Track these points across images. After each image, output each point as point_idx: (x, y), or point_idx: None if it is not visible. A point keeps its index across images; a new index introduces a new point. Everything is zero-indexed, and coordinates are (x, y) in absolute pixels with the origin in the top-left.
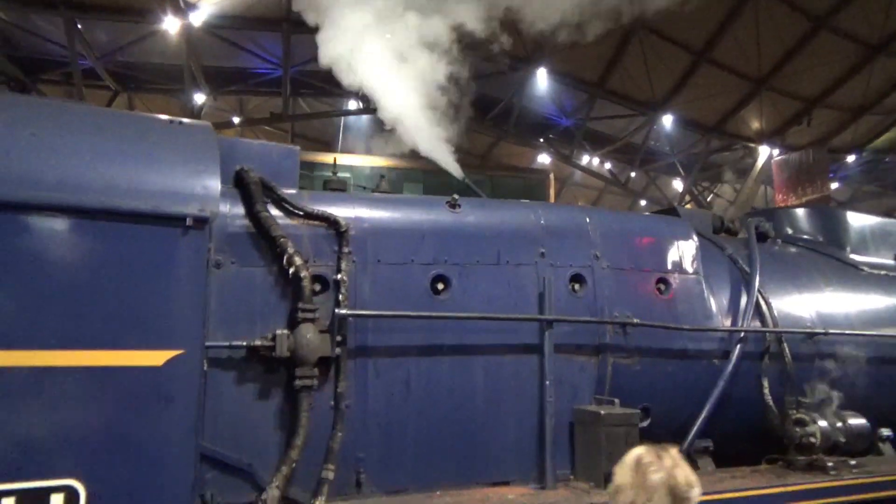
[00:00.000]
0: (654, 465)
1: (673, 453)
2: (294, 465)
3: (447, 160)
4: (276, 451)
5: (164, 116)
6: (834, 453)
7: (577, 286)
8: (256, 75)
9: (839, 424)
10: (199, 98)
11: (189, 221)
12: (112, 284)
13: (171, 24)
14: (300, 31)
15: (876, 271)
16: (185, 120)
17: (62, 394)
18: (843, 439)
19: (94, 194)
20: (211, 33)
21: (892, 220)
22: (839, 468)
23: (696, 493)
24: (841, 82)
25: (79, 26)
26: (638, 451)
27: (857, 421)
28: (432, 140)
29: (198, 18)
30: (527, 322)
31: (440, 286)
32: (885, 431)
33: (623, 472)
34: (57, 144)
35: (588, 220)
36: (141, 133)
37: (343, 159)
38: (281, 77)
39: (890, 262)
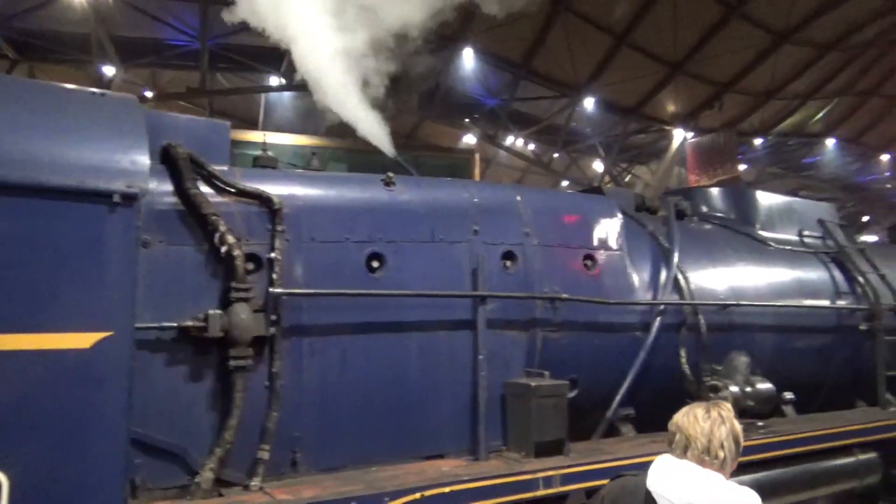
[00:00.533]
0: (719, 418)
1: (728, 406)
2: (228, 446)
3: (379, 137)
4: (209, 433)
5: (88, 88)
6: (744, 416)
7: (508, 263)
8: (171, 47)
9: (748, 389)
10: (109, 70)
11: (117, 198)
12: (36, 264)
13: None
14: (218, 1)
15: (782, 247)
16: (109, 92)
17: None
18: (752, 403)
19: (15, 169)
20: (121, 1)
21: (796, 199)
22: (748, 430)
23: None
24: (750, 68)
25: None
26: (702, 407)
27: (765, 385)
28: (365, 117)
29: None
30: (460, 298)
31: (375, 264)
32: (788, 395)
33: (693, 425)
34: None
35: (519, 198)
36: (63, 105)
37: (266, 137)
38: (198, 50)
39: (794, 237)
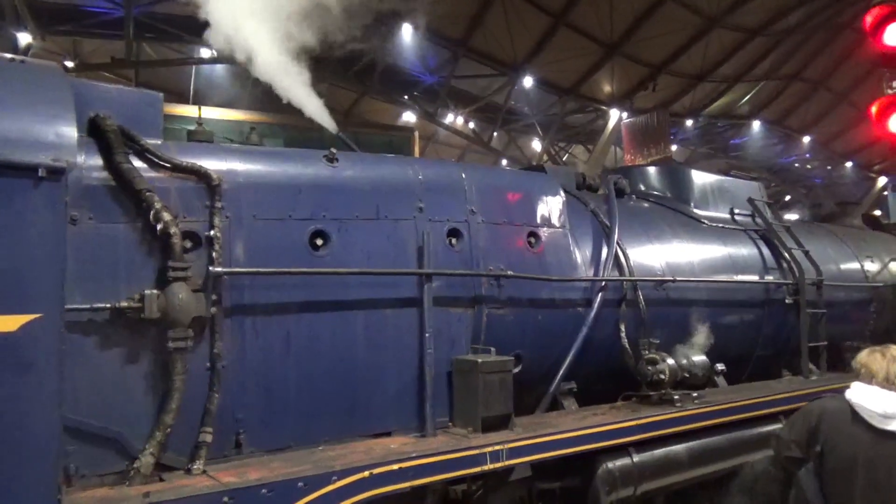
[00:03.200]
0: (892, 357)
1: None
2: (168, 430)
3: (320, 113)
4: (148, 417)
5: (6, 54)
6: (680, 387)
7: (453, 240)
8: (93, 14)
9: (684, 362)
10: (25, 38)
11: (42, 172)
12: None
13: None
14: None
15: (715, 224)
16: (29, 59)
17: None
18: (687, 375)
19: None
20: None
21: (728, 179)
22: (684, 400)
23: None
24: (682, 51)
25: None
26: (878, 349)
27: (699, 358)
28: (303, 92)
29: None
30: (406, 276)
31: (319, 242)
32: (720, 366)
33: (875, 362)
34: None
35: (464, 175)
36: None
37: (195, 109)
38: (122, 18)
39: (726, 215)
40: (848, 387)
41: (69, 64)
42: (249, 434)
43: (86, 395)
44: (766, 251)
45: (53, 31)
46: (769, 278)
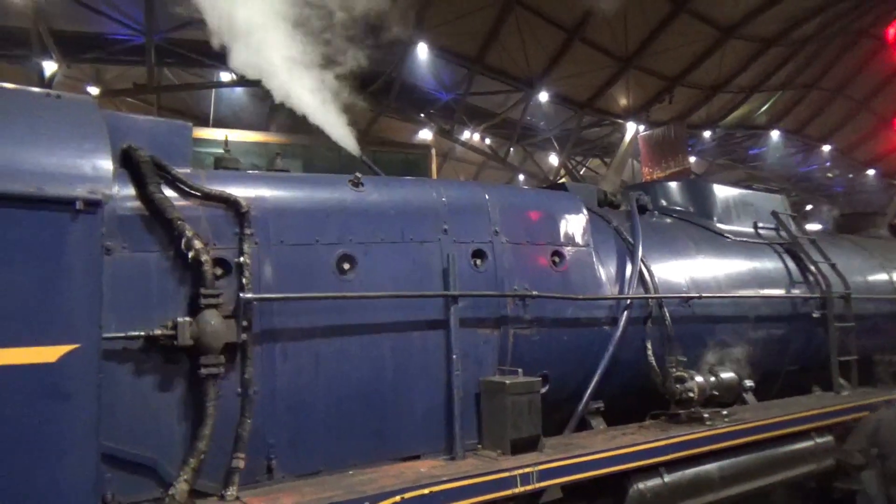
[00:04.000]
0: None
1: None
2: (202, 456)
3: (343, 136)
4: (181, 443)
5: (37, 89)
6: (709, 405)
7: (478, 261)
8: (116, 42)
9: (713, 379)
10: (49, 66)
11: (79, 205)
12: None
13: None
14: None
15: (739, 238)
16: (64, 93)
17: None
18: (716, 392)
19: None
20: None
21: (751, 192)
22: (714, 418)
23: None
24: (698, 62)
25: None
26: None
27: (727, 375)
28: (328, 115)
29: None
30: (432, 298)
31: (346, 265)
32: (749, 382)
33: None
34: None
35: (487, 196)
36: (16, 108)
37: (217, 134)
38: (144, 44)
39: (750, 229)
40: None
41: (93, 90)
42: (281, 459)
43: (121, 423)
44: (791, 265)
45: (77, 59)
46: (796, 292)
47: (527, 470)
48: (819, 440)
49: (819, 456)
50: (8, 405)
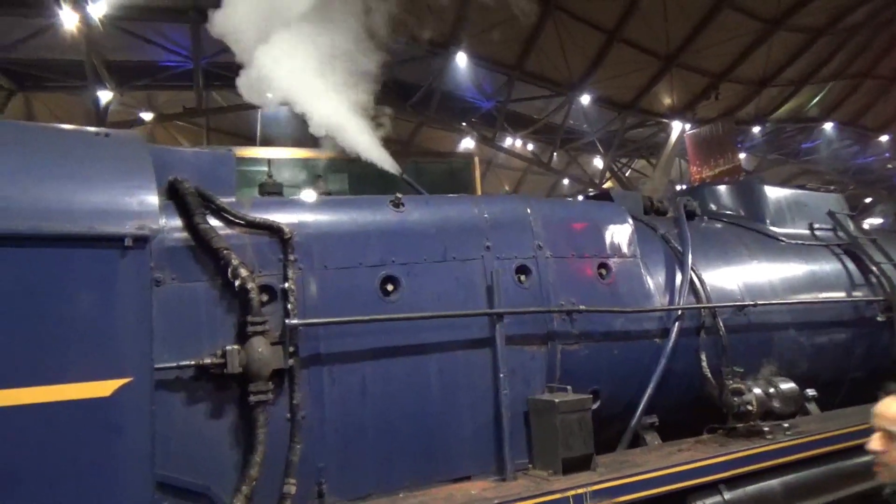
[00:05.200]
0: None
1: None
2: (254, 482)
3: (383, 158)
4: (233, 469)
5: (92, 129)
6: (769, 418)
7: (522, 277)
8: (165, 68)
9: (772, 390)
10: (104, 95)
11: (128, 241)
12: (48, 315)
13: (68, 18)
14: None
15: (794, 241)
16: (112, 130)
17: (3, 435)
18: (776, 404)
19: (24, 219)
20: (113, 26)
21: (805, 192)
22: (775, 432)
23: None
24: (743, 57)
25: None
26: None
27: (787, 385)
28: (366, 140)
29: (97, 11)
30: (477, 317)
31: (389, 287)
32: (810, 392)
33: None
34: None
35: (529, 210)
36: (66, 148)
37: (263, 152)
38: (192, 69)
39: (805, 231)
40: None
41: (146, 116)
42: (331, 483)
43: (175, 450)
44: (851, 266)
45: (130, 87)
46: (857, 295)
47: (579, 491)
48: None
49: None
50: (65, 440)
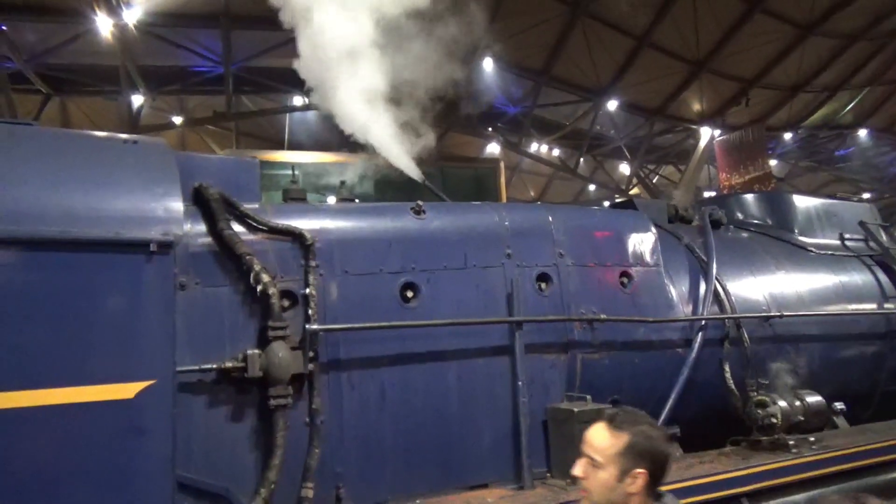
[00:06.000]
0: None
1: None
2: (273, 486)
3: (408, 165)
4: (252, 472)
5: (120, 135)
6: (794, 431)
7: (543, 285)
8: (196, 73)
9: (797, 403)
10: (137, 99)
11: (153, 247)
12: (76, 317)
13: (103, 24)
14: (239, 27)
15: (823, 251)
16: (140, 137)
17: (28, 435)
18: (802, 417)
19: (51, 224)
20: (146, 32)
21: (835, 202)
22: (800, 445)
23: None
24: (775, 62)
25: (3, 27)
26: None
27: (814, 398)
28: (392, 145)
29: (131, 17)
30: (497, 324)
31: (409, 294)
32: (839, 405)
33: None
34: (6, 171)
35: (551, 218)
36: (95, 155)
37: (290, 156)
38: (222, 74)
39: (835, 241)
40: None
41: (177, 120)
42: (348, 488)
43: (196, 452)
44: (883, 278)
45: (162, 92)
46: (889, 307)
47: None
48: None
49: None
50: (88, 440)
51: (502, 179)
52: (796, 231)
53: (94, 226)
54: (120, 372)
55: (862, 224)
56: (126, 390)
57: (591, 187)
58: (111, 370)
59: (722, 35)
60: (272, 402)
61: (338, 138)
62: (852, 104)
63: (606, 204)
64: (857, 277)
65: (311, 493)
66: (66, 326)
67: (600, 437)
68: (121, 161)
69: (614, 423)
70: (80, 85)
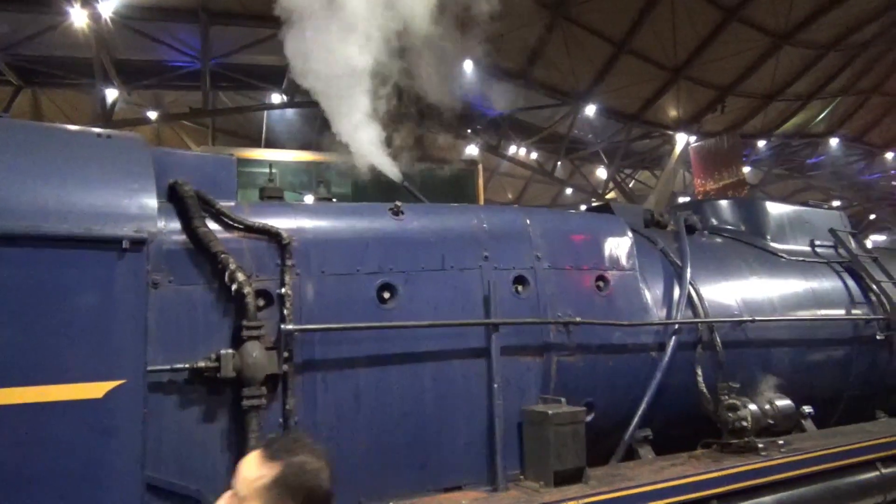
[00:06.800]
0: None
1: None
2: None
3: (385, 163)
4: (225, 474)
5: (94, 129)
6: (764, 434)
7: (520, 288)
8: (173, 68)
9: (768, 407)
10: (112, 93)
11: (125, 244)
12: (45, 314)
13: (77, 15)
14: (218, 23)
15: (794, 258)
16: (114, 132)
17: None
18: (772, 421)
19: (21, 219)
20: (122, 25)
21: (807, 209)
22: (769, 448)
23: None
24: (751, 71)
25: None
26: None
27: (784, 402)
28: (370, 145)
29: (107, 9)
30: (474, 326)
31: (386, 295)
32: (807, 409)
33: None
34: None
35: (528, 221)
36: (67, 149)
37: (268, 154)
38: (199, 70)
39: (806, 248)
40: None
41: (152, 115)
42: None
43: (167, 453)
44: (851, 284)
45: (138, 86)
46: (857, 313)
47: (570, 503)
48: (885, 470)
49: (886, 488)
50: (56, 441)
51: (480, 181)
52: (769, 237)
53: (64, 221)
54: (89, 371)
55: (832, 231)
56: (95, 389)
57: (569, 191)
58: (80, 369)
59: (699, 43)
60: (245, 402)
61: (316, 136)
62: (824, 113)
63: (583, 208)
64: (827, 284)
65: None
66: (35, 324)
67: (249, 468)
68: (94, 156)
69: (268, 452)
70: (52, 77)
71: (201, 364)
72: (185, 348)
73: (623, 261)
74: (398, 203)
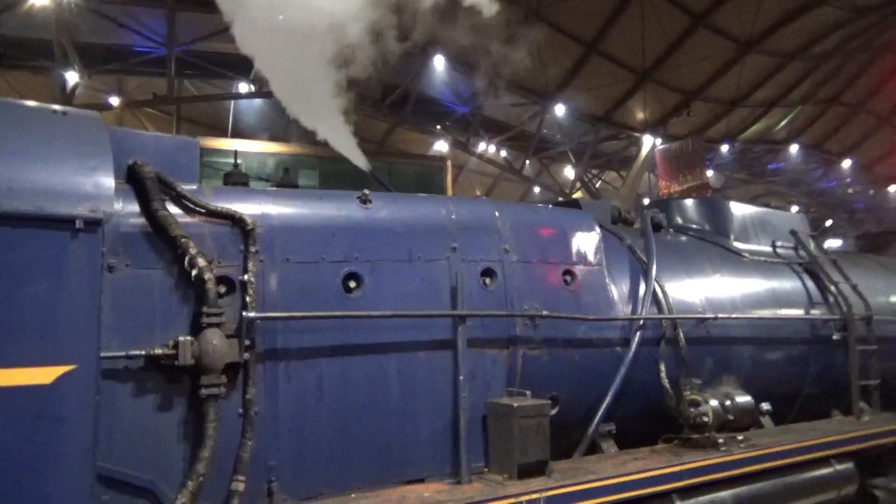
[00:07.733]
0: None
1: None
2: (202, 479)
3: (353, 152)
4: (181, 465)
5: (49, 105)
6: (724, 430)
7: (487, 280)
8: (137, 54)
9: (728, 403)
10: (72, 77)
11: (79, 224)
12: None
13: None
14: (185, 9)
15: (756, 258)
16: (71, 109)
17: None
18: (731, 417)
19: None
20: (86, 7)
21: (769, 211)
22: (729, 444)
23: None
24: (717, 76)
25: None
26: None
27: (743, 398)
28: (337, 130)
29: None
30: (440, 318)
31: (352, 284)
32: (765, 405)
33: None
34: None
35: (497, 214)
36: (21, 124)
37: (234, 145)
38: (165, 56)
39: (768, 248)
40: None
41: (114, 101)
42: (281, 482)
43: (120, 443)
44: (810, 285)
45: (100, 70)
46: (815, 313)
47: (533, 496)
48: (839, 467)
49: (839, 483)
50: (1, 428)
51: (449, 178)
52: (732, 237)
53: (14, 198)
54: (38, 356)
55: (793, 233)
56: (44, 375)
57: (536, 189)
58: (28, 353)
59: (667, 46)
60: (204, 391)
61: (284, 128)
62: (785, 121)
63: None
64: (787, 284)
65: (241, 487)
66: None
67: None
68: (48, 132)
69: None
70: (9, 58)
71: (158, 351)
72: (142, 335)
73: (590, 256)
74: (366, 191)
